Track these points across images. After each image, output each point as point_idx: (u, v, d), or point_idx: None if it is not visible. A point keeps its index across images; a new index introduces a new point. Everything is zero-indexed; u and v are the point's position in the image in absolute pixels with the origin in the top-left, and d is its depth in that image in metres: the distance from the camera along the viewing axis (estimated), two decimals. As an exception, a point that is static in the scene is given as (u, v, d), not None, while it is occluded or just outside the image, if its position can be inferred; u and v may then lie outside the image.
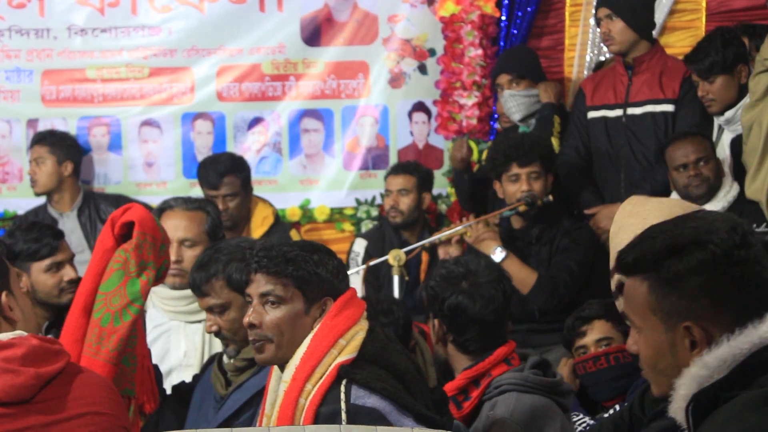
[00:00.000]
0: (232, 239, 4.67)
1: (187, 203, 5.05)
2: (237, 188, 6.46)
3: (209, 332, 4.13)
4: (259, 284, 3.45)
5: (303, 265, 3.43)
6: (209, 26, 7.25)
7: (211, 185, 6.46)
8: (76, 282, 5.32)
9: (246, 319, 3.46)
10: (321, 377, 3.33)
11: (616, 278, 3.11)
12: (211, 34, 7.25)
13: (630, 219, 3.24)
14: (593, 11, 6.48)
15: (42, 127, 7.17)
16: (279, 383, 3.50)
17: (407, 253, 5.87)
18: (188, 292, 4.64)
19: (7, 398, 2.80)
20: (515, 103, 6.61)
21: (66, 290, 5.17)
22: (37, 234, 5.13)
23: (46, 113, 7.24)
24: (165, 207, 5.09)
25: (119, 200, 7.03)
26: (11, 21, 7.22)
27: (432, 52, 7.29)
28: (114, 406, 3.00)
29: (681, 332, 2.46)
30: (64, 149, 6.98)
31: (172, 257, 4.80)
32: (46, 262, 5.13)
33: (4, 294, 2.96)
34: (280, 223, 6.68)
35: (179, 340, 4.92)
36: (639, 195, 3.59)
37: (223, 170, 6.46)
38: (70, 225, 6.89)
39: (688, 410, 2.40)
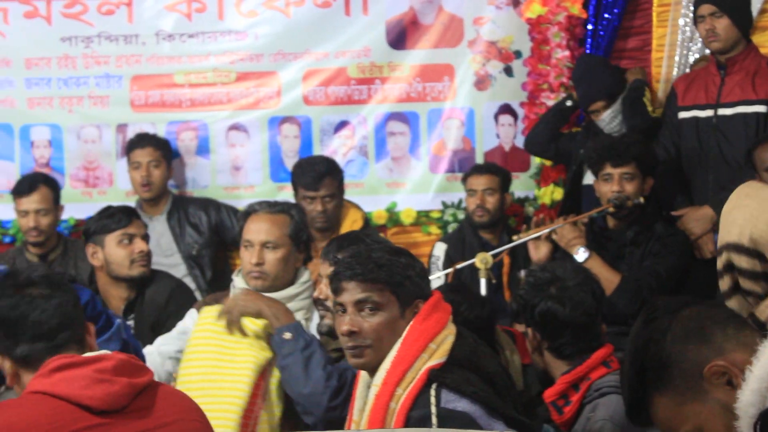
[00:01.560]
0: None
1: (271, 207, 5.10)
2: (334, 190, 6.51)
3: (315, 297, 4.25)
4: (354, 292, 3.47)
5: (395, 269, 3.45)
6: (295, 30, 7.28)
7: (310, 187, 6.50)
8: (147, 255, 5.49)
9: (344, 328, 3.47)
10: (411, 381, 3.34)
11: (724, 256, 3.07)
12: (297, 39, 7.27)
13: (746, 200, 3.22)
14: (683, 11, 6.41)
15: (131, 132, 7.24)
16: (367, 389, 3.52)
17: (494, 255, 5.84)
18: (278, 294, 4.70)
19: (104, 406, 2.84)
20: (620, 119, 6.55)
21: (137, 261, 5.48)
22: (111, 211, 5.52)
23: (135, 118, 7.31)
24: (250, 211, 5.14)
25: (207, 204, 7.11)
26: (101, 28, 7.31)
27: (518, 54, 7.25)
28: (200, 415, 3.09)
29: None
30: (170, 154, 7.09)
31: (254, 259, 4.87)
32: (118, 233, 5.47)
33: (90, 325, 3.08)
34: (368, 227, 6.69)
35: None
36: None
37: (323, 172, 6.49)
38: (159, 228, 6.96)
39: (756, 428, 2.35)
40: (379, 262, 3.45)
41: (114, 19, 7.31)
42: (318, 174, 6.50)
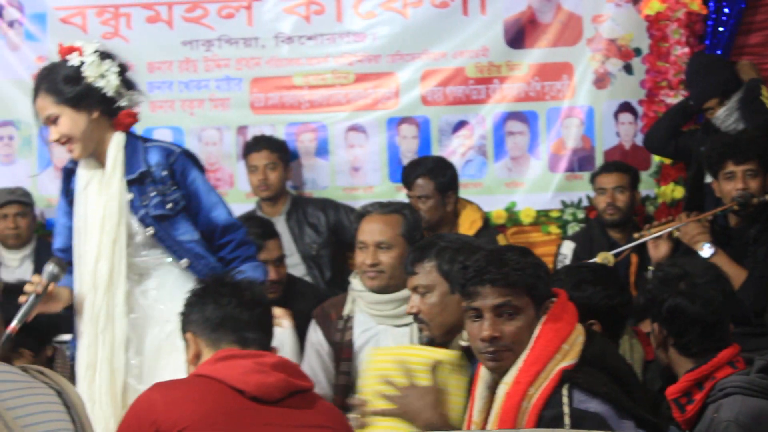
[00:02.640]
0: (453, 233, 4.73)
1: (384, 207, 5.14)
2: (429, 191, 6.48)
3: (409, 313, 4.20)
4: (491, 297, 3.46)
5: (528, 271, 3.45)
6: (413, 31, 7.29)
7: (406, 186, 6.57)
8: (277, 282, 5.47)
9: (485, 333, 3.45)
10: (544, 381, 3.34)
11: None
12: (415, 39, 7.29)
13: None
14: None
15: (251, 134, 7.32)
16: (487, 390, 3.52)
17: (616, 255, 5.79)
18: (395, 295, 4.75)
19: (258, 393, 3.21)
20: (736, 116, 6.47)
21: (266, 289, 5.35)
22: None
23: (255, 120, 7.38)
24: (363, 212, 5.19)
25: (326, 204, 7.15)
26: (221, 31, 7.40)
27: (637, 52, 7.19)
28: (349, 430, 3.38)
29: None
30: (287, 155, 7.16)
31: (369, 260, 4.90)
32: None
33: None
34: (488, 227, 6.69)
35: (388, 344, 4.98)
36: None
37: (417, 172, 6.52)
38: (278, 229, 7.00)
39: None
40: (515, 265, 3.45)
41: (234, 23, 7.40)
42: (412, 174, 6.54)
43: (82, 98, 4.53)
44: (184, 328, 3.51)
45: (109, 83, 4.56)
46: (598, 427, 3.16)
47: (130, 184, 4.58)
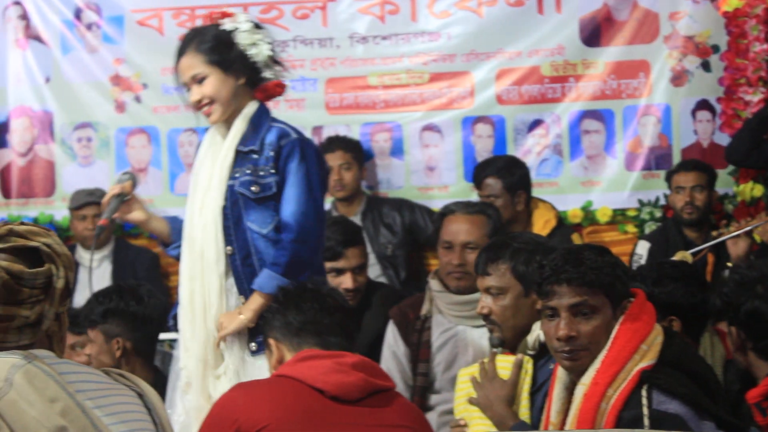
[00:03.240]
0: (525, 232, 4.71)
1: (468, 207, 5.13)
2: (497, 190, 6.47)
3: (479, 313, 4.13)
4: (568, 296, 3.44)
5: (605, 270, 3.43)
6: (488, 30, 7.27)
7: (476, 186, 6.58)
8: (353, 291, 5.43)
9: (561, 333, 3.43)
10: (623, 382, 3.32)
11: None
12: (490, 38, 7.26)
13: None
14: None
15: (326, 134, 7.34)
16: (565, 391, 3.50)
17: (694, 254, 5.74)
18: (475, 296, 4.69)
19: (337, 393, 3.25)
20: None
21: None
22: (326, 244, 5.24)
23: (330, 120, 7.40)
24: (446, 212, 5.18)
25: (401, 204, 7.15)
26: (296, 32, 7.42)
27: (715, 49, 7.11)
28: (428, 429, 3.43)
29: None
30: (362, 155, 7.17)
31: (455, 260, 4.88)
32: (327, 265, 5.27)
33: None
34: (562, 226, 6.66)
35: (466, 345, 4.97)
36: None
37: (486, 172, 6.51)
38: (353, 229, 7.03)
39: None
40: (592, 265, 3.43)
41: (309, 23, 7.42)
42: (482, 174, 6.54)
43: (233, 62, 4.51)
44: (267, 334, 3.59)
45: (261, 53, 4.54)
46: (678, 429, 3.14)
47: (238, 154, 4.52)
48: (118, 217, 4.61)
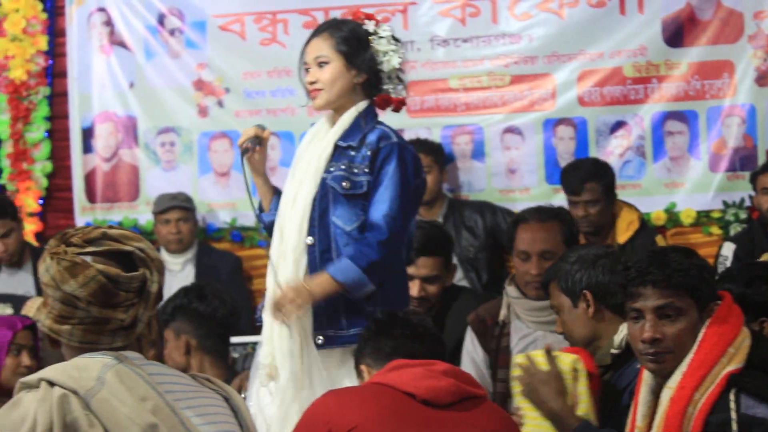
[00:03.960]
0: (585, 245, 4.68)
1: (541, 214, 5.11)
2: (598, 194, 6.44)
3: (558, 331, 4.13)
4: (653, 298, 3.42)
5: (691, 272, 3.40)
6: (569, 31, 7.23)
7: (573, 191, 6.49)
8: (418, 299, 5.40)
9: (646, 335, 3.41)
10: (710, 386, 3.30)
11: None
12: (572, 40, 7.23)
13: None
14: None
15: (407, 137, 7.30)
16: (651, 395, 3.48)
17: (780, 256, 5.68)
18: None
19: (428, 397, 3.30)
20: None
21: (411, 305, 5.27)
22: None
23: (411, 123, 7.39)
24: (520, 219, 5.16)
25: (483, 207, 7.14)
26: (377, 35, 7.43)
27: (801, 48, 7.04)
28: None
29: None
30: (443, 158, 7.17)
31: (534, 270, 4.87)
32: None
33: None
34: (645, 228, 6.60)
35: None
36: None
37: (584, 176, 6.46)
38: (435, 232, 7.02)
39: None
40: (677, 266, 3.41)
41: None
42: (579, 179, 6.47)
43: (360, 60, 4.48)
44: (358, 361, 3.65)
45: (389, 63, 4.54)
46: (767, 434, 3.12)
47: (336, 149, 4.49)
48: (249, 155, 4.59)
